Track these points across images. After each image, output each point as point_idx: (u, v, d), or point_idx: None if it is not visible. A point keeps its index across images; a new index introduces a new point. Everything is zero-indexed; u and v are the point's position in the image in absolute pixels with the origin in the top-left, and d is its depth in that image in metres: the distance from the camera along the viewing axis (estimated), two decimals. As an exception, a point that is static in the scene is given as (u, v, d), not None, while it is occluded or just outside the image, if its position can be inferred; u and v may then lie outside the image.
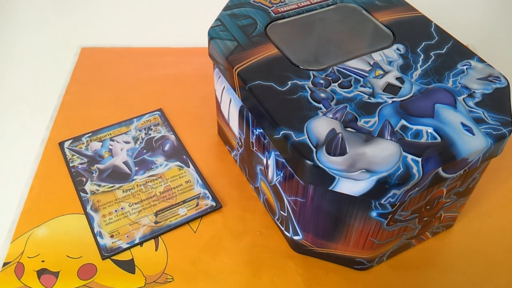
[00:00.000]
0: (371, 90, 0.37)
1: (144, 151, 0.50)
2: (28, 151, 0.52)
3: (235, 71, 0.39)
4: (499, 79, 0.38)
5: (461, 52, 0.41)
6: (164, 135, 0.52)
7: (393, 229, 0.38)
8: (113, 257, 0.42)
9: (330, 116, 0.35)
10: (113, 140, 0.51)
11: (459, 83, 0.38)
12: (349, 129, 0.34)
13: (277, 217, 0.44)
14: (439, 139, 0.34)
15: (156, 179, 0.48)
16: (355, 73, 0.38)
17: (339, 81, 0.38)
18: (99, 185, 0.47)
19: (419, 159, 0.32)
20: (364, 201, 0.34)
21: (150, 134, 0.52)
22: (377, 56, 0.40)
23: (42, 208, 0.45)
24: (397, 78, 0.38)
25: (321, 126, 0.34)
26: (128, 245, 0.43)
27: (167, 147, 0.51)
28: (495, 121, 0.35)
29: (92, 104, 0.56)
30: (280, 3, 0.46)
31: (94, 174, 0.48)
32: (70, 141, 0.51)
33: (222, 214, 0.46)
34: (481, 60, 0.40)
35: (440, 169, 0.33)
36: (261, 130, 0.39)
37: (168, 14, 0.74)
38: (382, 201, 0.33)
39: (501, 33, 0.72)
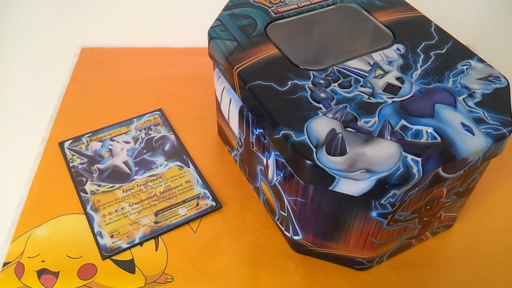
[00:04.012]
0: (371, 90, 0.37)
1: (144, 151, 0.50)
2: (28, 151, 0.52)
3: (235, 71, 0.39)
4: (499, 79, 0.38)
5: (461, 52, 0.41)
6: (164, 135, 0.52)
7: (393, 229, 0.38)
8: (113, 257, 0.42)
9: (330, 116, 0.35)
10: (113, 140, 0.51)
11: (459, 83, 0.38)
12: (349, 129, 0.34)
13: (277, 217, 0.44)
14: (439, 139, 0.34)
15: (156, 179, 0.48)
16: (355, 73, 0.38)
17: (339, 81, 0.38)
18: (99, 185, 0.47)
19: (419, 159, 0.32)
20: (364, 201, 0.34)
21: (150, 134, 0.52)
22: (377, 56, 0.40)
23: (42, 208, 0.45)
24: (397, 78, 0.38)
25: (321, 126, 0.34)
26: (128, 245, 0.43)
27: (167, 147, 0.51)
28: (495, 121, 0.35)
29: (92, 104, 0.56)
30: (280, 3, 0.46)
31: (94, 174, 0.48)
32: (70, 141, 0.51)
33: (222, 214, 0.46)
34: (481, 60, 0.40)
35: (440, 169, 0.33)
36: (261, 130, 0.39)
37: (168, 14, 0.74)
38: (382, 201, 0.33)
39: (501, 33, 0.72)
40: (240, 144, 0.46)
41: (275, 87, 0.37)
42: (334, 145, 0.33)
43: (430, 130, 0.34)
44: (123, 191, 0.47)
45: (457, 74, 0.39)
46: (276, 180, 0.40)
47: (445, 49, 0.41)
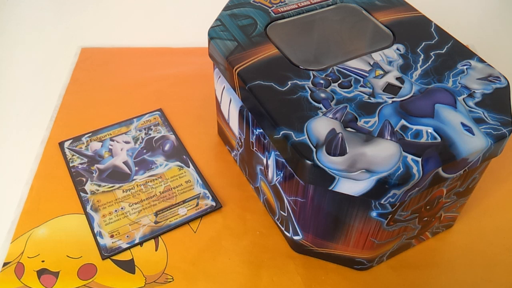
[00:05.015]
0: (371, 90, 0.37)
1: (144, 151, 0.50)
2: (28, 151, 0.52)
3: (235, 71, 0.39)
4: (499, 79, 0.38)
5: (461, 52, 0.41)
6: (164, 135, 0.52)
7: (393, 229, 0.38)
8: (113, 257, 0.42)
9: (330, 116, 0.35)
10: (113, 140, 0.51)
11: (459, 83, 0.38)
12: (349, 129, 0.34)
13: (277, 217, 0.44)
14: (439, 139, 0.34)
15: (156, 179, 0.48)
16: (355, 73, 0.38)
17: (339, 81, 0.38)
18: (99, 185, 0.47)
19: (419, 159, 0.32)
20: (364, 201, 0.34)
21: (150, 134, 0.52)
22: (377, 56, 0.40)
23: (42, 208, 0.45)
24: (397, 78, 0.38)
25: (321, 126, 0.34)
26: (128, 245, 0.43)
27: (167, 147, 0.51)
28: (495, 121, 0.35)
29: (92, 104, 0.56)
30: (280, 3, 0.46)
31: (94, 174, 0.48)
32: (70, 141, 0.51)
33: (222, 214, 0.46)
34: (481, 60, 0.40)
35: (440, 169, 0.33)
36: (261, 130, 0.39)
37: (168, 14, 0.74)
38: (382, 201, 0.33)
39: (501, 33, 0.72)
40: (240, 144, 0.46)
41: (275, 87, 0.37)
42: (334, 145, 0.33)
43: (430, 130, 0.34)
44: (123, 191, 0.47)
45: (457, 74, 0.39)
46: (276, 180, 0.40)
47: (445, 49, 0.41)
